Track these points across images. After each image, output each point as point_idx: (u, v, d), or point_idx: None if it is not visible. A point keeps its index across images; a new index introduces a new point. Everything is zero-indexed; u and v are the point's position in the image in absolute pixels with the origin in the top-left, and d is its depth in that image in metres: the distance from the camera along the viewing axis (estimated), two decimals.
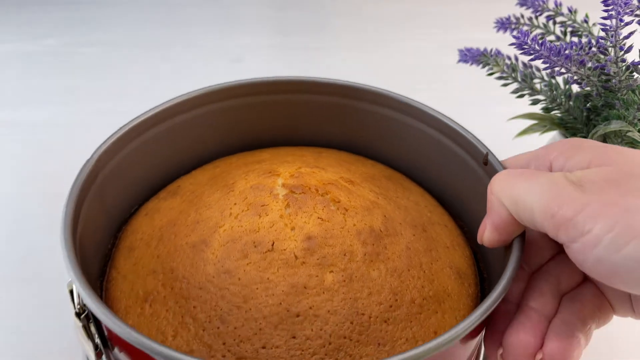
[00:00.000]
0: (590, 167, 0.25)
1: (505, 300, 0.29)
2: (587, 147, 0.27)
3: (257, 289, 0.29)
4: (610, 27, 0.32)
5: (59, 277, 0.42)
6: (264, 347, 0.28)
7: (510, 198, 0.26)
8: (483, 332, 0.30)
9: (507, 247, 0.29)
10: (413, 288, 0.31)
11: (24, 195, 0.54)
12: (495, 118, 0.40)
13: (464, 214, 0.38)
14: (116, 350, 0.29)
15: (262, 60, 0.39)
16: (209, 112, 0.40)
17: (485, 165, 0.34)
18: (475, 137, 0.35)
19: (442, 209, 0.39)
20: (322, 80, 0.41)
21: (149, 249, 0.33)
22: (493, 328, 0.29)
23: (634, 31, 0.33)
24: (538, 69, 0.37)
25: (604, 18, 0.32)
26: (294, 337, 0.28)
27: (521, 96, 0.39)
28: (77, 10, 0.86)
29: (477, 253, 0.37)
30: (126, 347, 0.28)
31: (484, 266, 0.36)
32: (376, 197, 0.35)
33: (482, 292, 0.35)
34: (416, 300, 0.31)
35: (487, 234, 0.28)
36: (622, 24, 0.32)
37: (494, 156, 0.34)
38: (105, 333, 0.29)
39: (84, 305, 0.28)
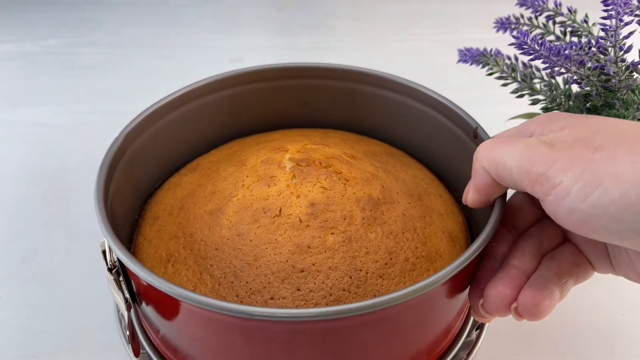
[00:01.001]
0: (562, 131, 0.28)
1: (490, 258, 0.32)
2: (563, 117, 0.29)
3: (266, 248, 0.33)
4: (610, 27, 0.32)
5: (59, 277, 0.46)
6: (272, 299, 0.32)
7: (492, 162, 0.29)
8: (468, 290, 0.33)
9: (491, 207, 0.32)
10: (407, 249, 0.34)
11: (23, 195, 0.54)
12: (495, 118, 0.39)
13: (458, 184, 0.41)
14: (143, 304, 0.33)
15: (262, 60, 0.41)
16: (226, 96, 0.44)
17: (475, 138, 0.37)
18: (466, 112, 0.38)
19: (439, 182, 0.42)
20: (329, 66, 0.44)
21: (171, 217, 0.37)
22: (477, 283, 0.32)
23: (634, 31, 0.33)
24: (538, 69, 0.38)
25: (604, 18, 0.32)
26: (298, 290, 0.32)
27: (521, 96, 0.38)
28: (77, 10, 0.86)
29: (470, 220, 0.40)
30: (153, 299, 0.31)
31: (476, 232, 0.39)
32: (376, 170, 0.38)
33: None
34: (410, 259, 0.34)
35: (470, 195, 0.31)
36: (622, 23, 0.32)
37: (483, 130, 0.37)
38: (134, 289, 0.33)
39: (116, 261, 0.32)
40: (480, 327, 0.38)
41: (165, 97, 0.40)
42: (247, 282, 0.32)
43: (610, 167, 0.24)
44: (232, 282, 0.33)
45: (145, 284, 0.29)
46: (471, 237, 0.39)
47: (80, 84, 0.71)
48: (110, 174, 0.35)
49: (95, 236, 0.44)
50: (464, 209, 0.41)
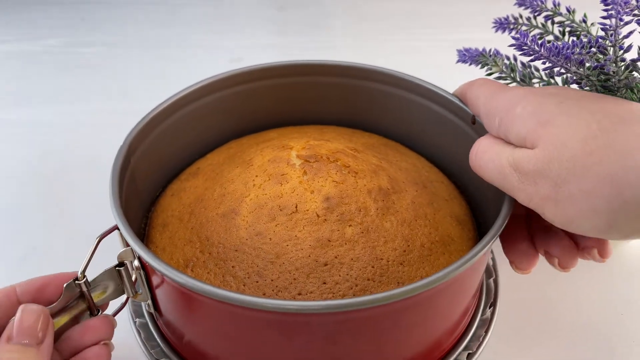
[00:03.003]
0: (525, 144, 0.28)
1: (513, 215, 0.33)
2: (519, 117, 0.29)
3: (287, 245, 0.33)
4: (610, 27, 0.32)
5: None
6: (299, 294, 0.32)
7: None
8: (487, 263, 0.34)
9: (499, 200, 0.33)
10: (422, 235, 0.35)
11: (24, 195, 0.54)
12: None
13: (457, 171, 0.43)
14: (167, 312, 0.33)
15: (262, 60, 0.42)
16: (219, 98, 0.44)
17: (474, 124, 0.39)
18: (461, 100, 0.40)
19: (437, 169, 0.43)
20: (318, 62, 0.45)
21: (182, 223, 0.37)
22: (510, 239, 0.34)
23: (633, 30, 0.33)
24: (537, 69, 0.37)
25: (604, 17, 0.32)
26: (324, 283, 0.32)
27: None
28: (77, 10, 0.87)
29: (471, 203, 0.42)
30: (185, 304, 0.31)
31: (479, 214, 0.41)
32: (379, 162, 0.39)
33: (481, 236, 0.39)
34: (425, 244, 0.35)
35: None
36: (622, 23, 0.32)
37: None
38: (157, 297, 0.33)
39: (136, 270, 0.32)
40: (493, 304, 0.40)
41: (160, 103, 0.40)
42: (272, 280, 0.33)
43: (576, 207, 0.26)
44: (257, 282, 0.33)
45: (181, 290, 0.29)
46: (475, 220, 0.40)
47: (80, 84, 0.72)
48: (121, 186, 0.34)
49: (94, 235, 0.44)
50: (464, 194, 0.42)
